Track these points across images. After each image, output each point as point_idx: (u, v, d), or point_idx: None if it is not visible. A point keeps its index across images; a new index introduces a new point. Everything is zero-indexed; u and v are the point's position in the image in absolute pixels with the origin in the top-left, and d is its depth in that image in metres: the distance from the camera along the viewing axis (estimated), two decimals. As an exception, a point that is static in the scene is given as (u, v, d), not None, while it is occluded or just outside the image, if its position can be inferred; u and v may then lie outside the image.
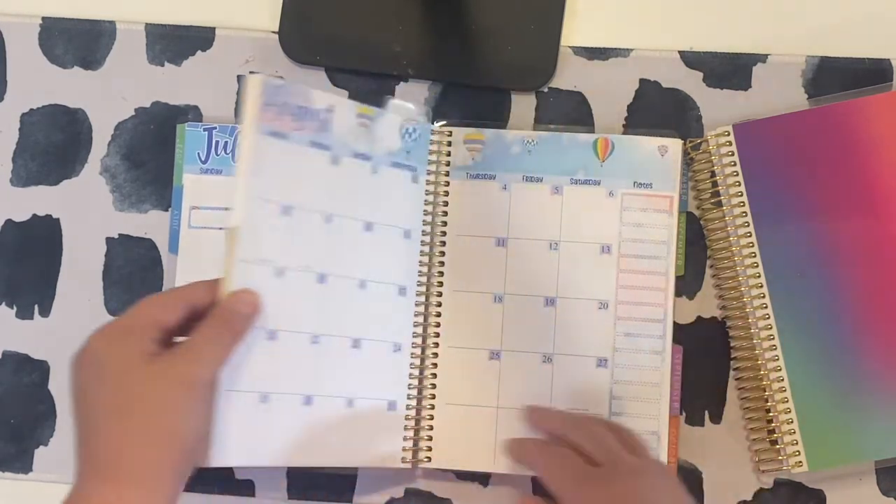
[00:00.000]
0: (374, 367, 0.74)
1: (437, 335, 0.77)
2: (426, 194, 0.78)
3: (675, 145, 0.78)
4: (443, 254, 0.77)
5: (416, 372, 0.76)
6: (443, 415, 0.76)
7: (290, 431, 0.71)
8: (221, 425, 0.67)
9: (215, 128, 0.80)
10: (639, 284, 0.76)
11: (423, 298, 0.77)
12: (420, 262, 0.77)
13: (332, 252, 0.72)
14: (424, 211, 0.78)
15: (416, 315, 0.77)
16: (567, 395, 0.76)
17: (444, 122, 0.79)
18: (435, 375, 0.76)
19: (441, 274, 0.77)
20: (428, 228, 0.77)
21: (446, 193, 0.78)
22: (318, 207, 0.72)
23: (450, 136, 0.79)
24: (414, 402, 0.76)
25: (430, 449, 0.76)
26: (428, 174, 0.78)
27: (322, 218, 0.72)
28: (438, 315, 0.77)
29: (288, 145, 0.70)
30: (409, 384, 0.76)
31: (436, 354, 0.77)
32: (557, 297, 0.76)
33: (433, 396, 0.76)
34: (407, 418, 0.76)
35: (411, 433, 0.76)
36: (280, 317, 0.70)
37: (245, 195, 0.68)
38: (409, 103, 0.78)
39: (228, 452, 0.68)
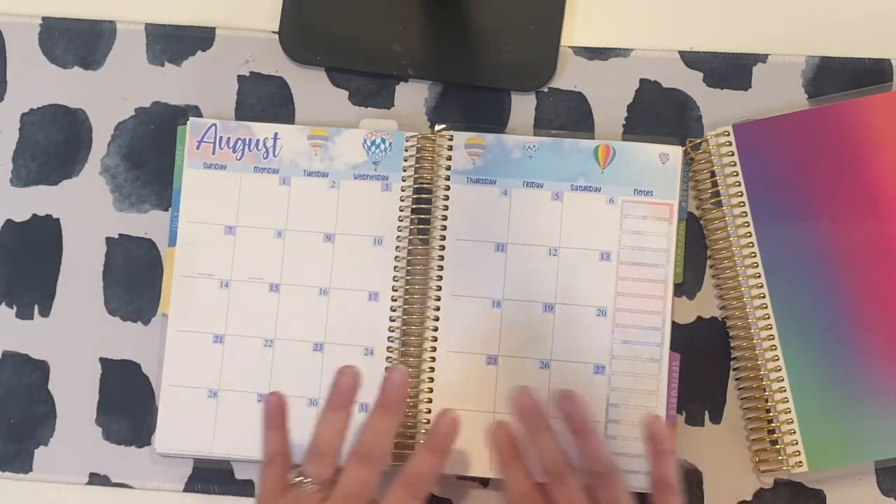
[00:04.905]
0: None
1: (435, 339, 0.77)
2: (422, 201, 0.78)
3: (675, 153, 0.77)
4: (442, 258, 0.77)
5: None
6: None
7: (245, 426, 0.76)
8: (173, 417, 0.77)
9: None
10: (637, 292, 0.76)
11: (420, 303, 0.77)
12: (413, 266, 0.78)
13: (285, 264, 0.78)
14: (425, 216, 0.78)
15: (407, 319, 0.77)
16: (564, 402, 0.76)
17: (444, 126, 0.79)
18: (432, 380, 0.76)
19: (440, 278, 0.77)
20: (406, 233, 0.78)
21: (446, 198, 0.78)
22: (268, 224, 0.79)
23: (451, 140, 0.79)
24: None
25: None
26: (424, 179, 0.78)
27: (273, 233, 0.78)
28: (437, 319, 0.77)
29: (227, 174, 0.79)
30: None
31: (433, 359, 0.77)
32: (556, 303, 0.76)
33: (430, 401, 0.76)
34: None
35: None
36: (228, 322, 0.78)
37: (182, 220, 0.79)
38: (386, 121, 0.80)
39: (181, 442, 0.77)
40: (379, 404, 0.69)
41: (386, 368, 0.76)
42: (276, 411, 0.71)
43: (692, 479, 0.76)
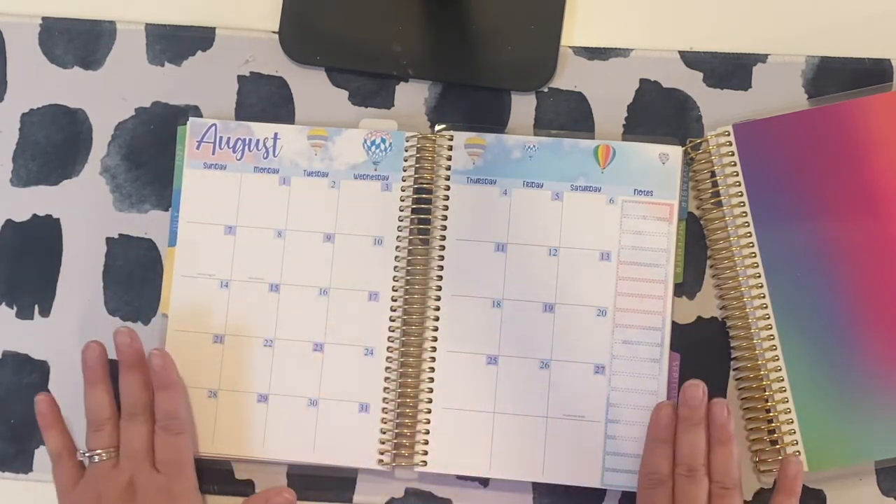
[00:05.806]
0: (341, 370, 0.77)
1: (435, 339, 0.77)
2: (422, 201, 0.78)
3: (675, 153, 0.77)
4: (442, 258, 0.77)
5: (396, 376, 0.77)
6: (439, 419, 0.76)
7: (245, 426, 0.77)
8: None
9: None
10: (637, 292, 0.76)
11: (420, 303, 0.77)
12: (413, 266, 0.77)
13: (285, 264, 0.78)
14: (425, 216, 0.78)
15: (406, 319, 0.77)
16: (564, 402, 0.76)
17: (444, 126, 0.79)
18: (432, 380, 0.76)
19: (440, 278, 0.77)
20: (406, 233, 0.78)
21: (446, 198, 0.78)
22: (268, 224, 0.79)
23: (451, 140, 0.79)
24: (393, 406, 0.76)
25: (425, 453, 0.76)
26: (424, 179, 0.78)
27: (273, 233, 0.78)
28: (437, 319, 0.77)
29: (227, 174, 0.79)
30: (388, 388, 0.77)
31: (433, 359, 0.77)
32: (556, 303, 0.76)
33: (430, 401, 0.76)
34: (384, 421, 0.76)
35: (391, 436, 0.76)
36: (228, 322, 0.78)
37: (182, 220, 0.79)
38: (386, 121, 0.80)
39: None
40: (120, 367, 0.76)
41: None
42: (47, 412, 0.77)
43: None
